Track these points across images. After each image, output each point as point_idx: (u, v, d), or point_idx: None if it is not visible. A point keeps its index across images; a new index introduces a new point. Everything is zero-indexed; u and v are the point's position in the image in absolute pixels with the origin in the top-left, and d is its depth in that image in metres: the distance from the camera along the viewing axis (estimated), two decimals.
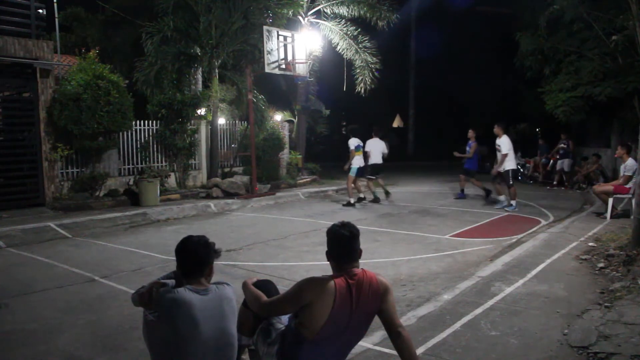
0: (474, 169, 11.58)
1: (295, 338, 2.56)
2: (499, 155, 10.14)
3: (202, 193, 11.69)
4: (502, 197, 10.29)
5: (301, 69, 12.31)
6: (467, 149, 11.56)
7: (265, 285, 2.91)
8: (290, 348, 2.58)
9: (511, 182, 10.01)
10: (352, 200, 10.86)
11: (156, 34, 11.77)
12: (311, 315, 2.49)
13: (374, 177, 11.20)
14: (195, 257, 2.55)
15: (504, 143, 10.05)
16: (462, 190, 11.76)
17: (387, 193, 11.30)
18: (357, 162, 10.81)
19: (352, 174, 10.84)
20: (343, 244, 2.63)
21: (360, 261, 2.69)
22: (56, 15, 12.06)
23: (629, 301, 4.16)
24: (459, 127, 28.43)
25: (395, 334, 2.61)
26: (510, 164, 10.08)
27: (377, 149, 11.06)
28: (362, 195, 11.19)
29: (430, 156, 25.13)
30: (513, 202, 9.96)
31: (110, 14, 17.09)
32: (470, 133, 11.55)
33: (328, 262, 2.71)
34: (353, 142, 10.81)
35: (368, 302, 2.58)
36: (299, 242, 7.28)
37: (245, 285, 2.85)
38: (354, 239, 2.65)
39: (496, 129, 10.31)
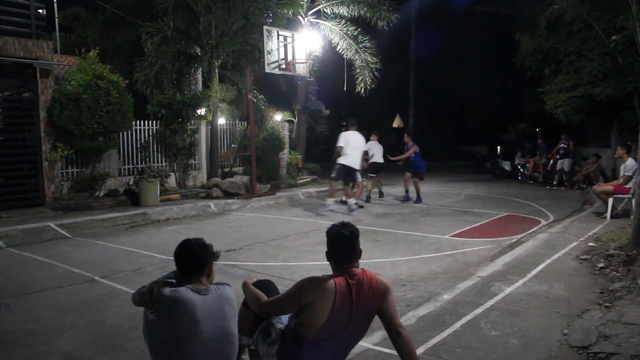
0: (422, 170, 11.45)
1: (296, 338, 2.57)
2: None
3: (202, 193, 11.69)
4: (351, 200, 9.64)
5: (301, 69, 12.30)
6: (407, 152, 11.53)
7: (266, 286, 2.91)
8: (290, 348, 2.58)
9: (334, 176, 9.52)
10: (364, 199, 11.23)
11: (156, 34, 11.77)
12: (311, 315, 2.49)
13: (374, 175, 11.53)
14: (194, 260, 2.56)
15: (340, 137, 9.68)
16: (407, 191, 11.57)
17: (368, 197, 11.43)
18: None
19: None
20: (343, 244, 2.64)
21: (360, 261, 2.69)
22: (56, 15, 12.04)
23: (629, 301, 4.16)
24: (459, 127, 28.57)
25: (395, 334, 2.61)
26: (346, 159, 9.43)
27: (378, 150, 11.49)
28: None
29: (430, 156, 25.09)
30: (330, 201, 9.74)
31: (110, 14, 17.07)
32: (406, 138, 11.56)
33: (328, 262, 2.71)
34: None
35: (368, 302, 2.58)
36: (299, 242, 7.28)
37: (245, 285, 2.85)
38: (354, 239, 2.66)
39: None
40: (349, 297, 2.52)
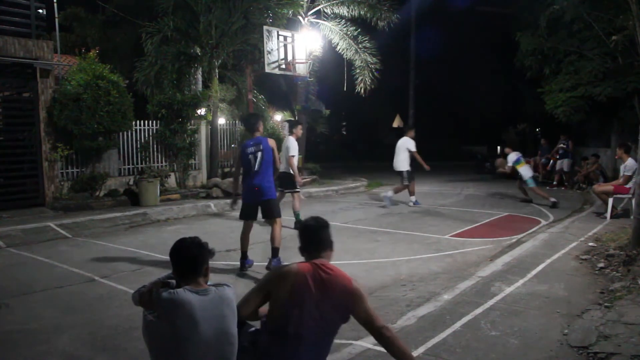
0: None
1: (265, 333, 2.63)
2: None
3: (202, 193, 11.68)
4: None
5: (301, 69, 12.30)
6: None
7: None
8: (262, 345, 2.61)
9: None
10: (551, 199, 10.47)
11: (156, 34, 11.76)
12: (273, 302, 2.59)
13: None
14: (190, 258, 2.52)
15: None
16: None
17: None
18: (527, 171, 10.79)
19: (532, 184, 10.72)
20: (310, 233, 2.81)
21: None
22: (56, 15, 12.05)
23: (629, 301, 4.16)
24: (460, 127, 28.56)
25: (377, 335, 2.65)
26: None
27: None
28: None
29: (430, 156, 25.10)
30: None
31: (110, 14, 17.09)
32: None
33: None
34: (512, 158, 10.79)
35: (335, 299, 2.59)
36: (298, 242, 7.25)
37: None
38: (321, 229, 2.80)
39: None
40: (308, 286, 2.56)
